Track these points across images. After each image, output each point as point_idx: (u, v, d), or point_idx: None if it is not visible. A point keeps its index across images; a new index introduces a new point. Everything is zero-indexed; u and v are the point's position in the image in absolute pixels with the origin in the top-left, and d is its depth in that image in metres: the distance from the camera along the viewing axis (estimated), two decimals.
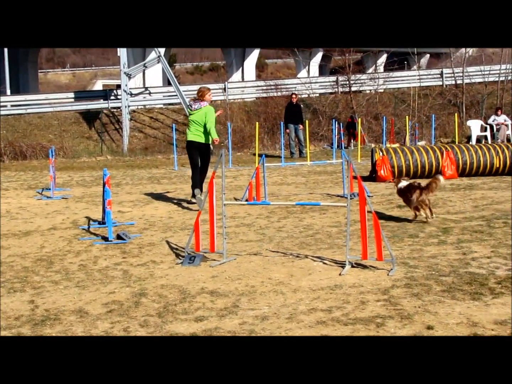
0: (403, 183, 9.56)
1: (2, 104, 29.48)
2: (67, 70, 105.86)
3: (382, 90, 30.39)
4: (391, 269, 6.63)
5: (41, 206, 12.06)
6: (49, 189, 13.46)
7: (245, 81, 40.11)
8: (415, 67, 37.50)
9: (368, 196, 10.01)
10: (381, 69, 41.23)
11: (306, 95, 29.39)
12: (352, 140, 24.83)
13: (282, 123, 21.54)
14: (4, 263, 7.64)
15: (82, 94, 33.37)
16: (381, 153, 14.11)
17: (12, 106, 29.44)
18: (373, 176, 14.33)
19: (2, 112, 28.03)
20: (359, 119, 23.90)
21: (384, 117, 24.29)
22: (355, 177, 7.76)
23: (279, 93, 28.84)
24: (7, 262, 7.68)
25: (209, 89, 11.56)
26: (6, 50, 34.99)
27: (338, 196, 12.16)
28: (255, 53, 59.06)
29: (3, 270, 7.27)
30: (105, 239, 8.72)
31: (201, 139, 11.21)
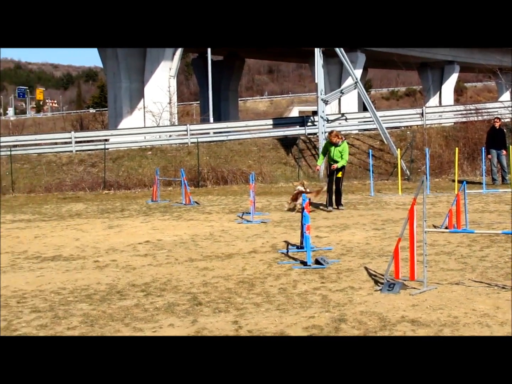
0: None
1: (205, 131, 31.10)
2: (265, 98, 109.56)
3: None
4: None
5: (241, 229, 12.51)
6: (249, 213, 13.94)
7: (443, 106, 39.21)
8: None
9: None
10: None
11: (509, 119, 28.07)
12: None
13: (483, 148, 20.73)
14: (209, 283, 7.99)
15: (280, 121, 34.34)
16: None
17: (214, 133, 30.96)
18: None
19: (206, 139, 29.54)
20: None
21: None
22: None
23: (479, 118, 27.81)
24: (212, 283, 8.03)
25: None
26: (210, 80, 36.87)
27: None
28: (454, 76, 57.66)
29: (209, 291, 7.60)
30: (304, 263, 8.84)
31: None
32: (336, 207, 15.11)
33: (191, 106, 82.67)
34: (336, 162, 15.19)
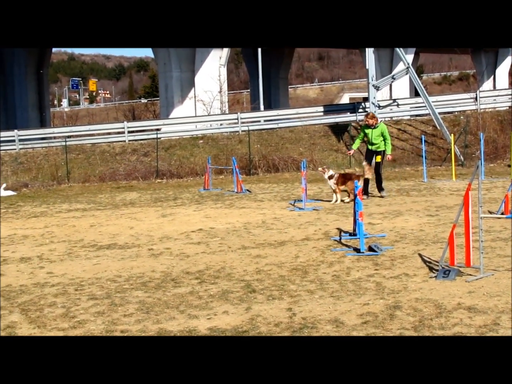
0: None
1: (256, 119, 31.13)
2: (315, 85, 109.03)
3: None
4: None
5: (294, 217, 12.50)
6: (301, 200, 13.92)
7: (497, 90, 38.41)
8: None
9: None
10: None
11: None
12: None
13: None
14: (262, 271, 8.02)
15: (331, 108, 34.17)
16: None
17: (265, 121, 30.96)
18: None
19: (256, 127, 29.58)
20: None
21: None
22: None
23: None
24: (265, 270, 8.06)
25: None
26: (260, 68, 36.86)
27: None
28: (508, 60, 56.49)
29: (262, 278, 7.64)
30: (357, 250, 8.80)
31: None
32: (378, 193, 14.96)
33: (242, 95, 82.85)
34: (375, 144, 14.95)
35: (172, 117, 34.66)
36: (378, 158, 15.04)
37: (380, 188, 15.01)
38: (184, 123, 30.96)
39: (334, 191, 14.35)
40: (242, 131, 28.63)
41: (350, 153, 17.71)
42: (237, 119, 29.83)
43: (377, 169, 15.01)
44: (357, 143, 15.82)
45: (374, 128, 14.91)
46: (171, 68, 36.58)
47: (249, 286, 7.27)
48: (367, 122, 15.02)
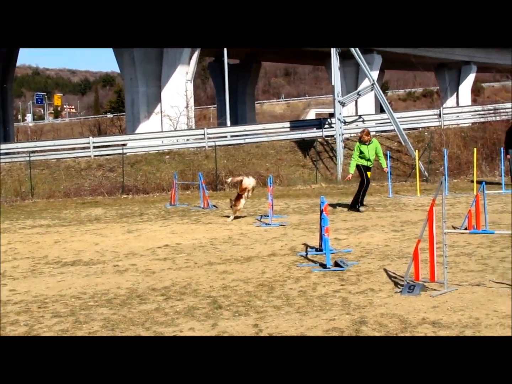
0: None
1: (222, 134, 31.18)
2: (281, 101, 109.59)
3: None
4: None
5: (260, 232, 12.51)
6: (268, 216, 13.94)
7: (460, 106, 39.03)
8: None
9: None
10: None
11: None
12: None
13: (502, 148, 20.58)
14: (229, 287, 8.00)
15: (297, 124, 34.44)
16: None
17: (231, 136, 31.02)
18: None
19: (223, 143, 29.62)
20: None
21: None
22: None
23: (497, 118, 27.65)
24: (231, 286, 8.04)
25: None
26: (226, 83, 36.96)
27: None
28: (471, 77, 57.40)
29: (228, 294, 7.62)
30: (323, 266, 8.83)
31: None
32: (357, 208, 15.06)
33: (208, 110, 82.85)
34: (370, 160, 15.21)
35: (138, 132, 34.58)
36: (369, 174, 15.39)
37: (362, 203, 15.18)
38: (150, 139, 30.90)
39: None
40: (209, 146, 28.65)
41: (349, 178, 16.30)
42: (204, 134, 29.86)
43: (367, 185, 15.29)
44: (353, 165, 15.37)
45: (369, 144, 15.12)
46: (137, 83, 36.51)
47: (215, 302, 7.24)
48: (363, 139, 15.14)
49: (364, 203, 15.38)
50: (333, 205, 15.68)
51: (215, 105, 65.87)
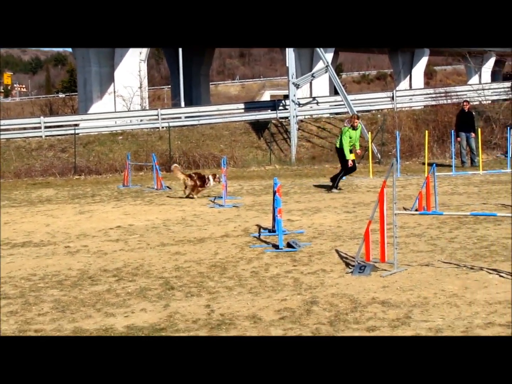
0: None
1: (176, 115, 30.95)
2: (236, 82, 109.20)
3: None
4: None
5: (214, 214, 12.51)
6: (221, 197, 13.93)
7: (413, 89, 39.44)
8: None
9: None
10: None
11: (478, 102, 28.33)
12: None
13: (453, 131, 20.90)
14: (181, 268, 7.99)
15: (252, 105, 34.35)
16: None
17: (185, 117, 30.81)
18: None
19: (177, 124, 29.42)
20: None
21: None
22: None
23: (449, 101, 28.02)
24: (184, 267, 8.03)
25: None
26: (181, 64, 36.67)
27: None
28: (424, 60, 57.99)
29: (181, 275, 7.61)
30: (276, 247, 8.87)
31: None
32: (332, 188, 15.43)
33: (162, 91, 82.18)
34: (355, 145, 15.61)
35: (90, 113, 34.10)
36: (354, 156, 15.80)
37: (337, 184, 15.44)
38: (103, 119, 30.48)
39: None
40: (163, 127, 28.44)
41: (350, 164, 15.70)
42: (158, 115, 29.58)
43: (354, 166, 15.71)
44: (348, 150, 15.37)
45: (357, 129, 15.52)
46: (90, 62, 35.97)
47: (167, 283, 7.23)
48: (355, 124, 15.40)
49: (319, 184, 15.59)
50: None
51: (169, 86, 65.32)
